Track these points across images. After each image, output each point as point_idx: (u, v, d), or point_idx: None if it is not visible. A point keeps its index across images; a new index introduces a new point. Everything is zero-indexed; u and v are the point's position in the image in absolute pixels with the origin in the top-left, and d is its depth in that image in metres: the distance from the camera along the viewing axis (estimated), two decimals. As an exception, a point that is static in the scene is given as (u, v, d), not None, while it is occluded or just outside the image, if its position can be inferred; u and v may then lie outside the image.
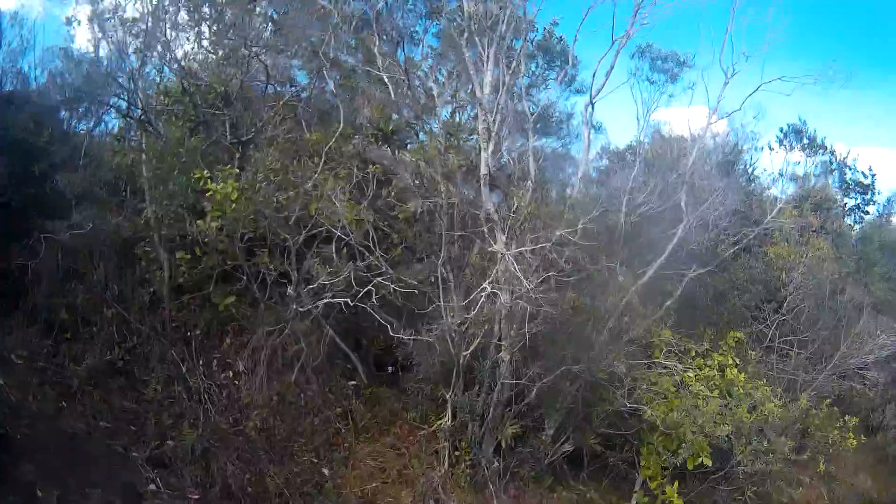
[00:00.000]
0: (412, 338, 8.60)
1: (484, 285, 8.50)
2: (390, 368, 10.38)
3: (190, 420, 8.77)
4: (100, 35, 9.43)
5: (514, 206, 9.14)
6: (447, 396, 9.30)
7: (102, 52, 9.60)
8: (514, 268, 8.35)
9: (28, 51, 9.86)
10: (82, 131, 10.13)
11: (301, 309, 8.89)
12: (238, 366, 9.54)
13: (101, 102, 9.70)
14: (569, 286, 9.21)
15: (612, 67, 10.64)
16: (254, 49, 9.71)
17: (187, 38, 10.10)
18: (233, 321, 9.67)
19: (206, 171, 8.80)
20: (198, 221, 8.67)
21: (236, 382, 9.48)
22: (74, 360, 8.48)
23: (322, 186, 8.88)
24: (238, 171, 8.94)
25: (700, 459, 10.53)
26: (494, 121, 9.60)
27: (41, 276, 8.60)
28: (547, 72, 13.31)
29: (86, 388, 8.37)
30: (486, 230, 9.07)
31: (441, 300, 8.96)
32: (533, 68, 13.12)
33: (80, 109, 9.90)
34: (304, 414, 9.65)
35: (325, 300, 8.73)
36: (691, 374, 11.03)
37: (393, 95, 9.74)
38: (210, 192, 8.67)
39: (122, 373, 8.80)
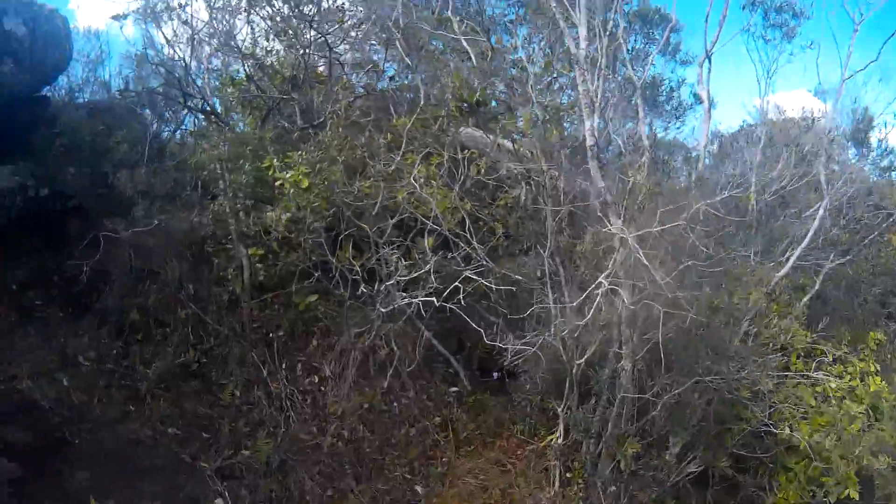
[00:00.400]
0: (513, 346, 6.34)
1: (600, 279, 6.06)
2: (496, 374, 8.29)
3: (269, 428, 7.14)
4: (155, 29, 8.39)
5: (630, 183, 6.65)
6: (558, 410, 6.97)
7: (162, 48, 8.56)
8: (640, 255, 5.84)
9: (105, 60, 9.36)
10: (165, 133, 9.19)
11: (384, 310, 6.86)
12: (324, 370, 7.78)
13: (169, 98, 8.47)
14: (703, 280, 6.57)
15: (723, 17, 8.58)
16: (318, 26, 7.88)
17: (246, 22, 8.55)
18: (319, 322, 7.94)
19: (275, 160, 7.02)
20: (267, 214, 6.86)
21: (322, 388, 7.73)
22: (145, 363, 7.14)
23: (407, 171, 6.81)
24: (306, 156, 7.04)
25: (847, 491, 7.60)
26: (597, 89, 7.18)
27: (112, 277, 7.32)
28: (648, 46, 10.74)
29: (155, 391, 7.01)
30: (599, 213, 6.61)
31: (550, 298, 6.64)
32: (633, 42, 10.61)
33: (152, 109, 8.84)
34: (398, 424, 7.77)
35: (417, 299, 6.69)
36: (833, 385, 8.13)
37: (479, 68, 7.56)
38: (279, 182, 6.93)
39: (197, 376, 7.34)
